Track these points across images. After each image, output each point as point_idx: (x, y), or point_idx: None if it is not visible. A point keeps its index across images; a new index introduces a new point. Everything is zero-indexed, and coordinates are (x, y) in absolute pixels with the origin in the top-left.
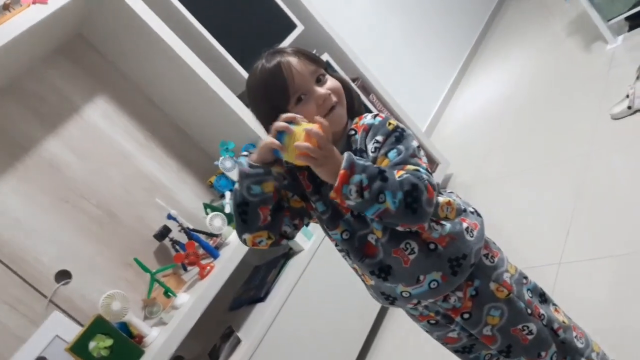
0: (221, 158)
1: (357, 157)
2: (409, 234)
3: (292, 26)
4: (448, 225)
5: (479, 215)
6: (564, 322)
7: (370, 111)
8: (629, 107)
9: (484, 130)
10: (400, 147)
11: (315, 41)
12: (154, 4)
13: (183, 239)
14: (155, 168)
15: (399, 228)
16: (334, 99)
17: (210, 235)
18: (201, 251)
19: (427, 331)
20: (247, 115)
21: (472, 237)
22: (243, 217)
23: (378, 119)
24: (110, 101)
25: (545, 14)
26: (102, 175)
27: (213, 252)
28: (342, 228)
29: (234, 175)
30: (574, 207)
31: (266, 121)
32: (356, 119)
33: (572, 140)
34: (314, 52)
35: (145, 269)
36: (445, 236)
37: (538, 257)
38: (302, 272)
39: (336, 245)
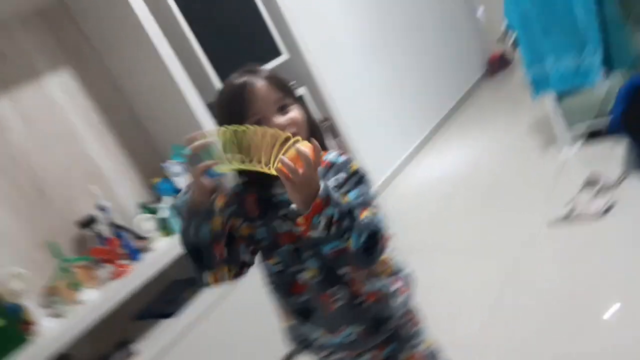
0: (171, 161)
1: (333, 189)
2: (342, 281)
3: (278, 53)
4: (380, 283)
5: (411, 279)
6: None
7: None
8: (568, 217)
9: (433, 202)
10: (362, 189)
11: (297, 73)
12: None
13: (108, 233)
14: (101, 155)
15: (343, 270)
16: (291, 130)
17: (137, 236)
18: (122, 251)
19: None
20: (210, 126)
21: (399, 301)
22: (198, 262)
23: (342, 158)
24: (75, 77)
25: (514, 106)
26: (45, 148)
27: (134, 254)
28: (276, 260)
29: (179, 181)
30: (497, 296)
31: None
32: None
33: (510, 235)
34: (292, 82)
35: (58, 255)
36: (374, 293)
37: (456, 336)
38: (219, 298)
39: (267, 276)
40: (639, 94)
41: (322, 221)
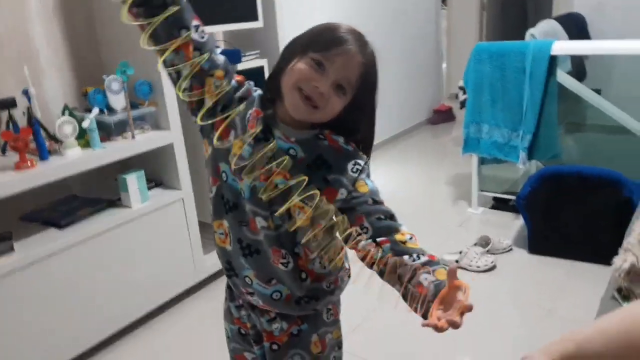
0: (112, 76)
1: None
2: (292, 250)
3: (255, 17)
4: (327, 270)
5: (349, 275)
6: None
7: None
8: (457, 261)
9: None
10: (371, 182)
11: (265, 44)
12: None
13: (23, 123)
14: (44, 41)
15: (298, 240)
16: (320, 102)
17: (52, 137)
18: (32, 145)
19: (228, 337)
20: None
21: (329, 289)
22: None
23: (349, 146)
24: None
25: (443, 156)
26: None
27: (43, 153)
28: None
29: (114, 99)
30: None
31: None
32: (327, 131)
33: None
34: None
35: None
36: (317, 274)
37: None
38: (113, 226)
39: (220, 194)
40: (543, 183)
41: None
